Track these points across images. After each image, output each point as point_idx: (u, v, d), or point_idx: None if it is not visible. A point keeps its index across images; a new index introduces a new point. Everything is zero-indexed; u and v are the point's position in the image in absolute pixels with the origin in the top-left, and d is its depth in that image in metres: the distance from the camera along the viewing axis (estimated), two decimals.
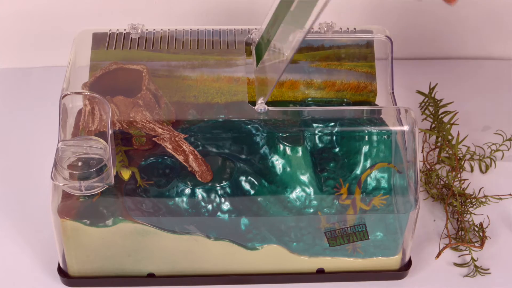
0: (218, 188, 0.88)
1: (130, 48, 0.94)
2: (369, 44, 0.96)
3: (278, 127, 0.88)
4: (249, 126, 0.88)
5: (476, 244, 0.98)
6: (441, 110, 1.14)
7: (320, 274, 0.94)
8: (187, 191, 0.87)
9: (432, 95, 1.17)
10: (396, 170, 0.90)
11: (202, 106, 0.89)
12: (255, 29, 0.96)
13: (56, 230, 0.88)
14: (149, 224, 0.88)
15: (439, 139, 1.11)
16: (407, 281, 0.95)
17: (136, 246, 0.90)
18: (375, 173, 0.89)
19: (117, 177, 0.86)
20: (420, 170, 1.07)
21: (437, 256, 0.96)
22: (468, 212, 1.02)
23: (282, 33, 0.87)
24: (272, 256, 0.92)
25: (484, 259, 0.97)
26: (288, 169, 0.89)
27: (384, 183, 0.90)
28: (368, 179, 0.89)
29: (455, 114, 1.11)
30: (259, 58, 0.92)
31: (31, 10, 1.23)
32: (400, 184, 0.90)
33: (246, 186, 0.88)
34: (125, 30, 0.96)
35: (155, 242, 0.89)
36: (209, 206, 0.88)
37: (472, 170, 1.11)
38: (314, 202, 0.89)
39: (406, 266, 0.95)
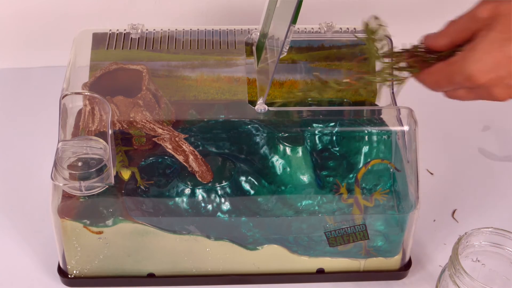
0: (218, 188, 0.88)
1: (130, 48, 0.94)
2: None
3: (278, 127, 0.88)
4: (249, 126, 0.88)
5: None
6: None
7: (320, 274, 0.94)
8: (187, 191, 0.87)
9: None
10: (392, 166, 0.90)
11: (202, 106, 0.89)
12: (255, 29, 0.96)
13: (56, 230, 0.88)
14: (149, 224, 0.88)
15: None
16: (407, 281, 0.95)
17: (136, 246, 0.90)
18: (371, 170, 0.89)
19: (117, 177, 0.86)
20: None
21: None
22: None
23: (273, 31, 0.87)
24: (272, 256, 0.92)
25: None
26: (288, 169, 0.89)
27: (381, 178, 0.89)
28: (366, 176, 0.89)
29: None
30: (259, 58, 0.92)
31: (31, 10, 1.23)
32: (400, 184, 0.90)
33: (246, 186, 0.88)
34: (125, 30, 0.96)
35: (155, 242, 0.89)
36: (209, 206, 0.88)
37: None
38: (314, 203, 0.89)
39: (406, 266, 0.95)
